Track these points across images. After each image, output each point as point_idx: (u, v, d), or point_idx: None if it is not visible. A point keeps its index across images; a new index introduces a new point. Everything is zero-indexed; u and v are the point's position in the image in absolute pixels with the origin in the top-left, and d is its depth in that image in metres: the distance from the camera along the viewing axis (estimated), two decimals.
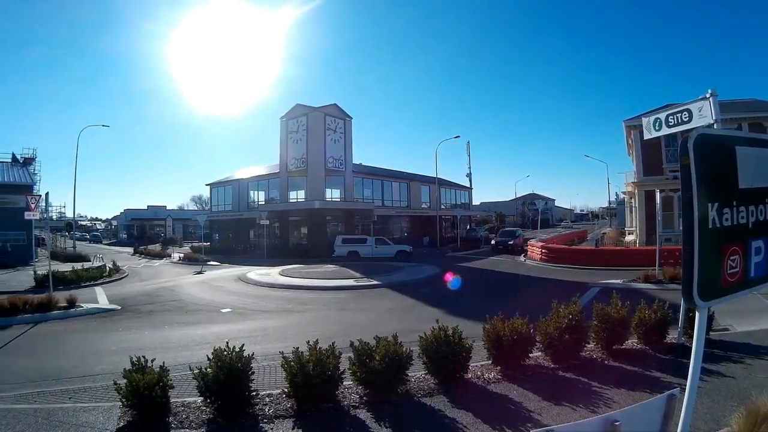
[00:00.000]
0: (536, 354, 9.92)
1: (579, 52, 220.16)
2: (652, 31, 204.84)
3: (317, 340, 7.99)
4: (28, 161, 50.94)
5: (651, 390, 7.86)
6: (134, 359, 7.62)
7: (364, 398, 8.03)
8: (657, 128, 11.48)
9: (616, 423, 3.39)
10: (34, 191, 41.76)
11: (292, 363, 7.69)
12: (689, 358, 4.00)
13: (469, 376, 8.93)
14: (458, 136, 61.42)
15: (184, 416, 7.49)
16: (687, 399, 3.83)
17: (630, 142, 42.59)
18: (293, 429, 7.13)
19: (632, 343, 10.84)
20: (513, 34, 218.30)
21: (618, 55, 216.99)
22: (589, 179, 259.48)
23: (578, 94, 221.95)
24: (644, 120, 12.08)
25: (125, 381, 7.29)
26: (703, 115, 10.05)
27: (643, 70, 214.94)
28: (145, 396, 7.10)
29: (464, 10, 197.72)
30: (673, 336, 11.04)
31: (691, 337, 4.55)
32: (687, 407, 3.81)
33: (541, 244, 37.09)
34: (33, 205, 20.51)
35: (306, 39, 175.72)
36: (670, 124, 10.99)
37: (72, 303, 18.68)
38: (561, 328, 9.52)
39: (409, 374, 8.48)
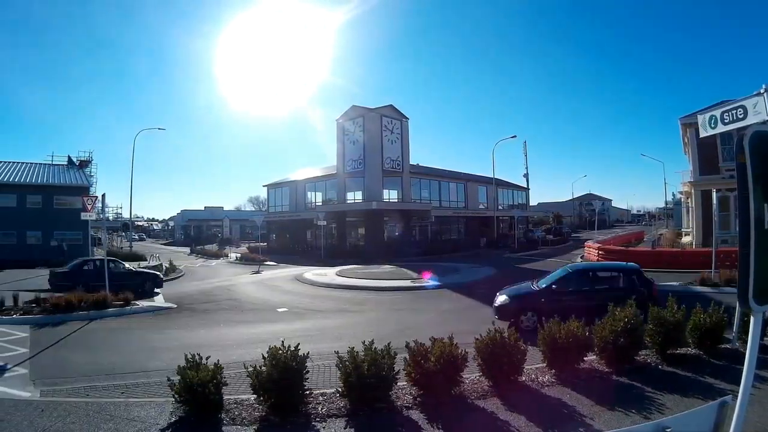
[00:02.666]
0: (591, 357, 9.81)
1: (635, 49, 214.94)
2: (711, 24, 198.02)
3: (373, 340, 8.03)
4: (84, 164, 53.12)
5: (703, 396, 7.79)
6: (188, 356, 7.79)
7: (418, 399, 8.02)
8: (712, 126, 11.10)
9: (667, 429, 3.25)
10: (90, 193, 43.81)
11: (347, 363, 7.73)
12: (743, 364, 3.81)
13: (523, 378, 8.89)
14: (515, 136, 60.53)
15: (236, 413, 7.60)
16: (738, 407, 3.65)
17: (686, 140, 41.01)
18: (345, 428, 7.16)
19: (687, 347, 10.62)
20: (567, 34, 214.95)
21: (676, 49, 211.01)
22: (646, 179, 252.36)
23: (635, 91, 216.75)
24: (699, 117, 11.70)
25: (179, 377, 7.46)
26: (758, 111, 9.67)
27: (702, 65, 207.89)
28: (198, 393, 7.23)
29: (518, 12, 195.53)
30: (727, 341, 10.77)
31: (746, 342, 4.33)
32: (738, 415, 3.63)
33: (597, 245, 36.81)
34: (89, 206, 21.22)
35: (360, 40, 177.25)
36: (726, 121, 10.61)
37: (127, 301, 19.27)
38: (616, 332, 9.41)
39: (464, 376, 8.45)
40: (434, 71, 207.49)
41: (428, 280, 26.87)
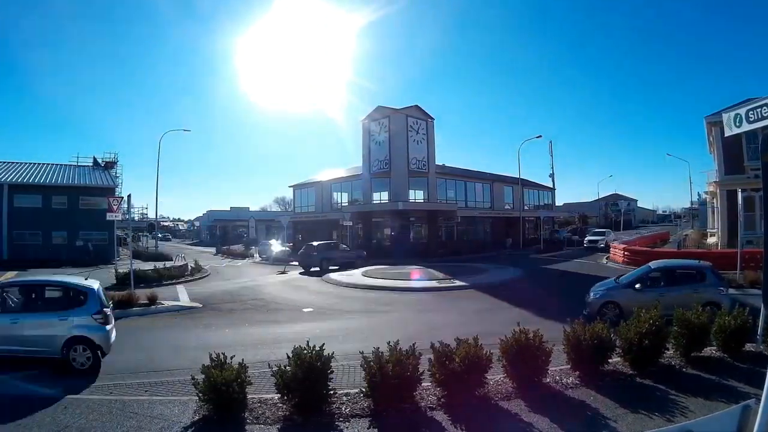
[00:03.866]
0: (615, 359, 9.76)
1: (660, 48, 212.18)
2: (740, 20, 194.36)
3: (398, 340, 8.02)
4: (109, 165, 54.26)
5: (727, 400, 7.69)
6: (213, 355, 7.85)
7: (442, 400, 8.02)
8: (737, 124, 10.86)
9: None
10: (116, 194, 44.50)
11: (372, 363, 7.73)
12: (767, 368, 3.70)
13: (548, 380, 8.89)
14: (540, 136, 60.31)
15: (260, 412, 7.65)
16: (762, 410, 3.55)
17: (711, 139, 40.37)
18: (369, 428, 7.18)
19: (711, 350, 10.48)
20: (591, 32, 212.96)
21: (700, 47, 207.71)
22: (672, 179, 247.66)
23: (661, 89, 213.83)
24: (724, 116, 11.45)
25: (203, 376, 7.51)
26: None
27: (727, 64, 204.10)
28: (222, 391, 7.26)
29: (542, 11, 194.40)
30: (752, 344, 10.61)
31: None
32: (761, 419, 3.51)
33: (623, 246, 36.82)
34: (115, 207, 21.56)
35: (384, 40, 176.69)
36: (751, 119, 10.38)
37: (153, 300, 19.49)
38: (641, 334, 9.33)
39: (488, 377, 8.44)
40: (459, 70, 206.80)
41: (454, 280, 26.87)
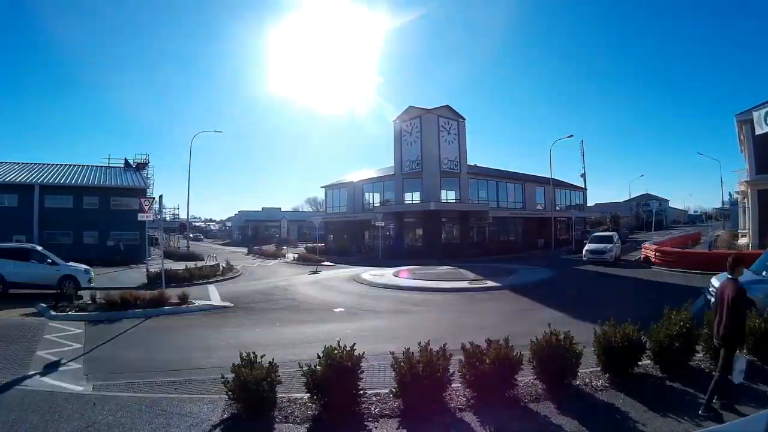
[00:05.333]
0: (645, 362, 9.67)
1: (690, 44, 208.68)
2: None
3: (428, 341, 8.04)
4: (141, 166, 55.41)
5: (756, 405, 7.65)
6: (243, 354, 7.92)
7: (471, 401, 8.02)
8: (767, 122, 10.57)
9: None
10: (147, 194, 45.40)
11: (402, 363, 7.73)
12: None
13: (578, 382, 8.85)
14: (571, 136, 59.98)
15: (289, 411, 7.70)
16: None
17: (741, 138, 39.38)
18: (398, 429, 7.20)
19: (741, 353, 10.13)
20: (620, 31, 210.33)
21: (733, 45, 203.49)
22: (703, 178, 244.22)
23: (691, 87, 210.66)
24: (755, 114, 11.21)
25: (233, 375, 7.59)
26: None
27: (759, 60, 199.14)
28: (252, 390, 7.32)
29: (571, 11, 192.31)
30: None
31: None
32: None
33: (654, 247, 36.65)
34: (146, 207, 21.94)
35: (415, 40, 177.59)
36: None
37: (183, 299, 19.69)
38: (671, 336, 9.24)
39: (518, 378, 8.42)
40: (489, 71, 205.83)
41: (486, 281, 26.86)
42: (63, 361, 11.43)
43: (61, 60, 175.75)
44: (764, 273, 15.00)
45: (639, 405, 7.77)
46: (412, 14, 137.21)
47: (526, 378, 8.77)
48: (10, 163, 51.23)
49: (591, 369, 9.41)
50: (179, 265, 32.31)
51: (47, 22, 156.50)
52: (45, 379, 10.02)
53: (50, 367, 10.87)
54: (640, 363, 9.44)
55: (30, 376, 10.04)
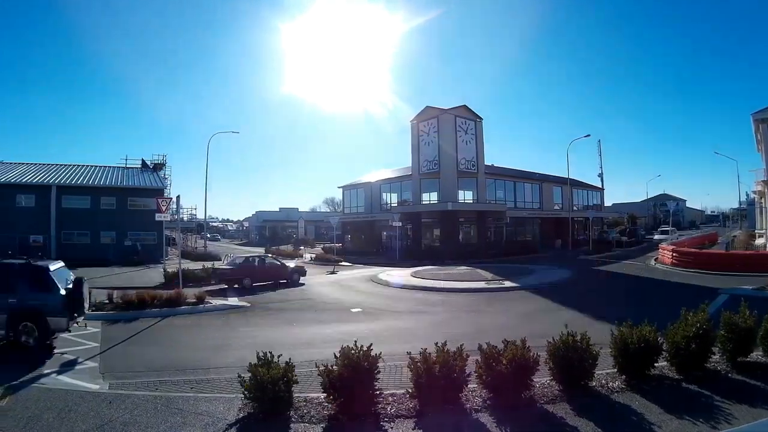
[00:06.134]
0: (662, 363, 9.57)
1: (707, 44, 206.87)
2: None
3: (445, 341, 8.04)
4: (158, 167, 55.91)
5: None
6: (260, 354, 7.93)
7: (487, 402, 8.00)
8: None
9: None
10: (165, 195, 45.82)
11: (419, 364, 7.76)
12: None
13: (594, 384, 8.80)
14: (588, 135, 59.80)
15: (305, 411, 7.71)
16: None
17: (759, 137, 38.93)
18: (414, 429, 7.20)
19: (757, 355, 10.19)
20: (638, 32, 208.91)
21: (750, 43, 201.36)
22: (720, 178, 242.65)
23: (707, 86, 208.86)
24: None
25: (249, 375, 7.59)
26: None
27: None
28: (268, 390, 7.34)
29: (588, 12, 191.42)
30: None
31: None
32: None
33: (671, 247, 36.52)
34: (164, 208, 22.11)
35: (431, 40, 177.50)
36: None
37: (200, 299, 19.85)
38: (688, 337, 9.15)
39: (534, 380, 8.39)
40: (506, 71, 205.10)
41: (503, 281, 26.88)
42: (79, 360, 11.58)
43: (80, 63, 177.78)
44: None
45: (655, 407, 7.73)
46: (428, 14, 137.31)
47: (543, 379, 8.75)
48: (27, 163, 52.00)
49: (608, 370, 9.37)
50: (196, 265, 32.41)
51: (63, 22, 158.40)
52: (61, 377, 10.14)
53: (66, 366, 11.01)
54: (656, 365, 9.37)
55: (46, 375, 10.17)
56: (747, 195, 72.58)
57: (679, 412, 7.46)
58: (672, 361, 9.43)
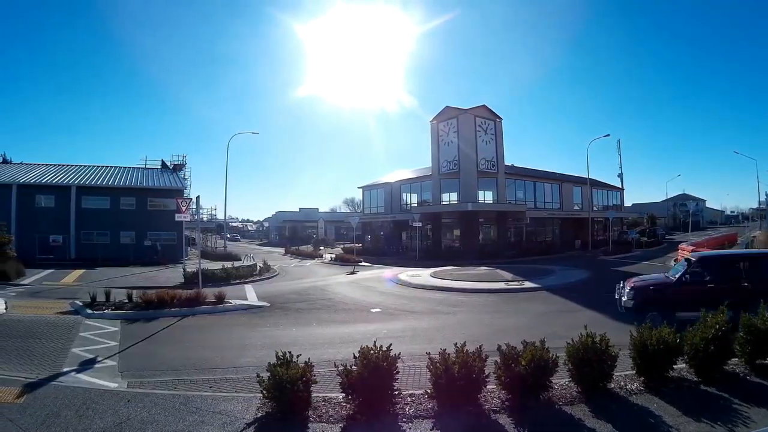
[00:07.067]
0: (680, 365, 9.48)
1: (726, 43, 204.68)
2: None
3: (464, 342, 8.04)
4: (178, 167, 56.62)
5: None
6: (279, 354, 7.97)
7: (506, 403, 7.99)
8: None
9: None
10: (185, 195, 46.35)
11: (438, 364, 7.77)
12: None
13: (612, 385, 8.76)
14: (608, 135, 59.80)
15: (323, 411, 7.72)
16: None
17: None
18: (432, 430, 7.20)
19: None
20: (659, 32, 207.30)
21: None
22: (740, 178, 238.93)
23: (727, 85, 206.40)
24: None
25: (268, 374, 7.64)
26: None
27: None
28: (287, 390, 7.36)
29: (603, 11, 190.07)
30: None
31: None
32: None
33: (691, 248, 36.12)
34: (183, 208, 22.23)
35: (450, 40, 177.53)
36: None
37: (220, 299, 19.89)
38: (707, 339, 9.02)
39: (553, 381, 8.38)
40: (524, 70, 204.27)
41: (523, 282, 26.88)
42: (98, 359, 11.66)
43: (101, 66, 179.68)
44: None
45: (673, 410, 7.70)
46: (446, 15, 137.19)
47: (562, 380, 8.74)
48: (46, 164, 52.91)
49: (626, 372, 9.33)
50: (216, 265, 32.65)
51: (84, 25, 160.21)
52: (80, 375, 10.21)
53: (85, 364, 11.09)
54: (675, 367, 9.30)
55: (65, 373, 10.22)
56: (767, 195, 71.99)
57: (697, 414, 7.43)
58: (691, 363, 9.34)
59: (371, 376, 7.49)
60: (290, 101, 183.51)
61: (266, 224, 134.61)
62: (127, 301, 18.66)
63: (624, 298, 15.28)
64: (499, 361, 8.21)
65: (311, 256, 56.17)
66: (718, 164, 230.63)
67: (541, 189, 58.33)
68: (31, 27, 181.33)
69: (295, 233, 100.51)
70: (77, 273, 31.76)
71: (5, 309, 17.26)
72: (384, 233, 60.31)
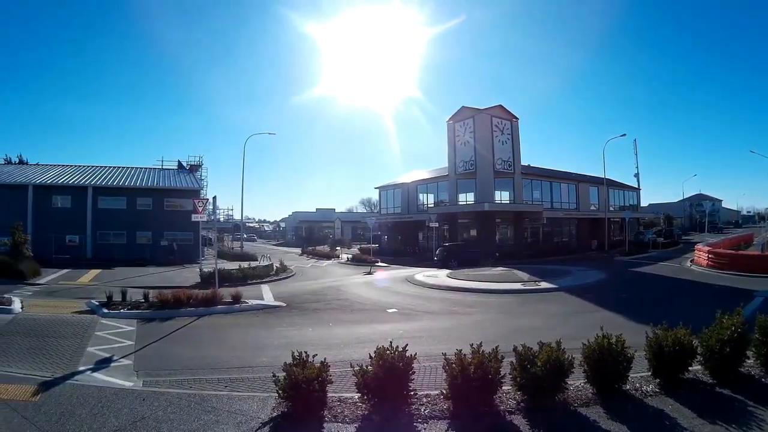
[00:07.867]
0: (696, 367, 9.41)
1: (740, 43, 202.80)
2: None
3: (480, 343, 8.03)
4: (194, 168, 56.93)
5: None
6: (295, 354, 7.99)
7: (521, 404, 7.98)
8: None
9: None
10: (201, 195, 46.58)
11: (454, 365, 7.75)
12: None
13: (627, 387, 8.71)
14: (624, 135, 59.63)
15: (338, 411, 7.72)
16: None
17: None
18: (447, 430, 7.19)
19: None
20: (676, 30, 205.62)
21: None
22: (757, 177, 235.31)
23: (742, 84, 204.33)
24: None
25: (284, 374, 7.64)
26: None
27: None
28: (303, 389, 7.37)
29: (619, 12, 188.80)
30: None
31: None
32: None
33: (707, 249, 36.00)
34: (200, 208, 22.36)
35: (464, 40, 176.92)
36: None
37: (236, 299, 19.96)
38: (722, 341, 8.95)
39: (569, 382, 8.34)
40: (540, 69, 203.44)
41: (540, 283, 26.86)
42: (114, 358, 11.75)
43: (118, 68, 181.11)
44: None
45: (688, 412, 7.66)
46: (460, 16, 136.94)
47: (577, 381, 8.70)
48: (63, 165, 53.62)
49: (642, 374, 9.29)
50: (233, 265, 32.83)
51: (100, 28, 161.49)
52: (95, 374, 10.29)
53: (101, 363, 11.17)
54: (690, 368, 9.25)
55: (80, 372, 10.30)
56: None
57: (712, 417, 7.40)
58: (706, 365, 9.28)
59: (387, 377, 7.50)
60: (306, 101, 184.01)
61: (283, 224, 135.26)
62: (143, 300, 18.78)
63: None
64: (514, 361, 8.17)
65: (328, 257, 56.38)
66: (735, 164, 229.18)
67: (558, 189, 58.08)
68: (48, 30, 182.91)
69: (312, 233, 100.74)
70: (93, 273, 32.04)
71: (21, 308, 17.46)
72: (400, 234, 60.26)
